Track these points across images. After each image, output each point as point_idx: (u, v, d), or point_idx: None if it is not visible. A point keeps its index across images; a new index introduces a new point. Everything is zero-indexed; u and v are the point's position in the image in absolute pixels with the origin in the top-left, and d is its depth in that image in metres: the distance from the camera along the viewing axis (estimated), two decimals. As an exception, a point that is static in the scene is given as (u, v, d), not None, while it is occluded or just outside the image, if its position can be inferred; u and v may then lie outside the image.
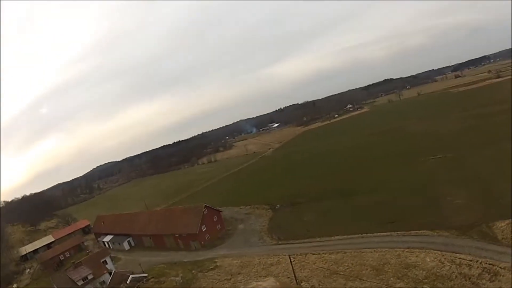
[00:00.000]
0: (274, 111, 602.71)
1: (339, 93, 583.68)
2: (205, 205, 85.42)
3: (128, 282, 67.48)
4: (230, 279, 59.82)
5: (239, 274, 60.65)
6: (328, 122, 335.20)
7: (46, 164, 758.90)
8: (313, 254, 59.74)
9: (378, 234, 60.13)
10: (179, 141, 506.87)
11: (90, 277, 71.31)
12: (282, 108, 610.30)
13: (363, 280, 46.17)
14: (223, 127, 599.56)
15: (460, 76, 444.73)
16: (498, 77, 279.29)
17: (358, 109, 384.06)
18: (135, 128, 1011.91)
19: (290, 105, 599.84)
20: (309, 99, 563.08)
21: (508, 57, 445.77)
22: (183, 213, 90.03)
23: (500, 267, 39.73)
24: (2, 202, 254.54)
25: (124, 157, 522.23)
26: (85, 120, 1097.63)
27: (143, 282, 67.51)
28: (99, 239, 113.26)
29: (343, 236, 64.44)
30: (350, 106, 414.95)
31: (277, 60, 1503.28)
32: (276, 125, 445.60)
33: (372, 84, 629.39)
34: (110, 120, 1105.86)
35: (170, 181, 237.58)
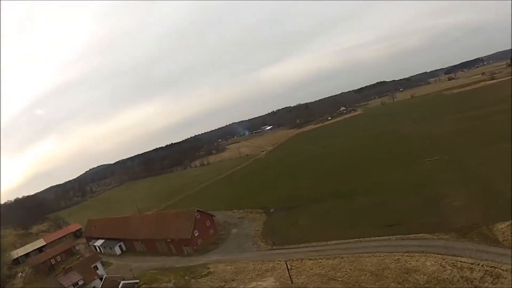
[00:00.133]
0: (267, 114, 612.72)
1: (332, 96, 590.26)
2: (198, 210, 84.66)
3: (119, 288, 66.07)
4: (224, 285, 58.72)
5: (233, 280, 59.53)
6: (322, 124, 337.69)
7: (40, 166, 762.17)
8: (310, 259, 58.90)
9: (376, 238, 59.54)
10: (172, 143, 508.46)
11: (80, 282, 70.61)
12: (275, 110, 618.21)
13: (363, 286, 45.56)
14: (216, 129, 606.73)
15: (453, 78, 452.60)
16: (492, 79, 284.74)
17: (351, 112, 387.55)
18: (128, 130, 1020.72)
19: (282, 108, 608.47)
20: (302, 102, 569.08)
21: (502, 59, 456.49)
22: (175, 217, 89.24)
23: (502, 270, 39.48)
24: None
25: (117, 160, 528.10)
26: (79, 123, 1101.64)
27: (134, 289, 66.12)
28: (90, 243, 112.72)
29: (340, 240, 63.69)
30: (343, 108, 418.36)
31: (269, 63, 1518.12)
32: (269, 127, 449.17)
33: (365, 86, 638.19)
34: (103, 123, 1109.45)
35: (163, 184, 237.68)
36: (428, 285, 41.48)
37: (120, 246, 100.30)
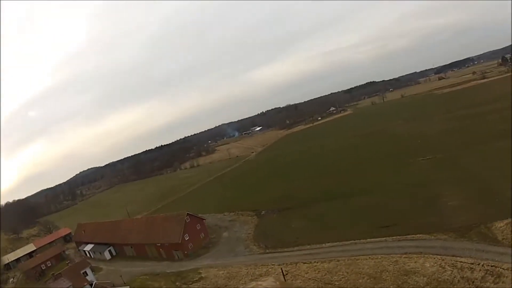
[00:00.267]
0: (256, 115, 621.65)
1: (321, 96, 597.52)
2: (188, 213, 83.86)
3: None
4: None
5: (226, 286, 58.38)
6: (311, 125, 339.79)
7: (31, 169, 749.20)
8: (304, 263, 58.09)
9: (372, 239, 59.13)
10: (162, 145, 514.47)
11: (70, 289, 68.78)
12: (264, 111, 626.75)
13: (361, 289, 45.03)
14: (205, 131, 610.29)
15: (444, 78, 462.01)
16: (484, 78, 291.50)
17: (341, 112, 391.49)
18: (117, 133, 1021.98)
19: (272, 109, 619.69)
20: (291, 103, 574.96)
21: (493, 58, 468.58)
22: (165, 221, 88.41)
23: (503, 268, 39.49)
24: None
25: (107, 163, 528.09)
26: (69, 125, 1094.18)
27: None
28: (80, 248, 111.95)
29: (335, 242, 63.02)
30: (333, 108, 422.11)
31: (259, 64, 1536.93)
32: (258, 128, 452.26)
33: (355, 87, 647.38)
34: (93, 125, 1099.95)
35: (153, 186, 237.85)
36: (428, 286, 41.16)
37: (109, 251, 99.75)
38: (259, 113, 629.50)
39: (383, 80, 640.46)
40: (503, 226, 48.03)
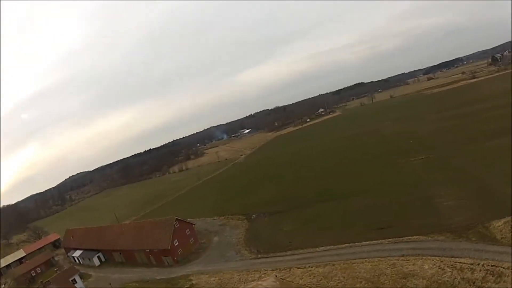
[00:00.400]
0: (245, 117, 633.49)
1: (310, 98, 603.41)
2: (176, 218, 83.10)
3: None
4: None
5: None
6: (300, 126, 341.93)
7: (21, 174, 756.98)
8: (298, 268, 57.06)
9: (368, 242, 58.48)
10: (150, 149, 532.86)
11: (59, 297, 67.53)
12: (252, 113, 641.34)
13: (358, 294, 44.28)
14: (194, 134, 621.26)
15: (433, 78, 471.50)
16: (473, 77, 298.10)
17: (330, 113, 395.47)
18: (106, 137, 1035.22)
19: (260, 111, 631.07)
20: (280, 105, 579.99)
21: (483, 58, 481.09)
22: (154, 227, 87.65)
23: (503, 268, 39.35)
24: None
25: (96, 167, 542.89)
26: (58, 129, 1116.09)
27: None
28: (68, 254, 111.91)
29: (329, 246, 62.27)
30: (322, 110, 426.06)
31: (247, 67, 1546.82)
32: (247, 131, 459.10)
33: (343, 88, 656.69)
34: (82, 130, 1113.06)
35: (142, 191, 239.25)
36: (428, 289, 40.72)
37: (98, 257, 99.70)
38: (248, 115, 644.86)
39: (372, 81, 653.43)
40: (501, 225, 48.12)
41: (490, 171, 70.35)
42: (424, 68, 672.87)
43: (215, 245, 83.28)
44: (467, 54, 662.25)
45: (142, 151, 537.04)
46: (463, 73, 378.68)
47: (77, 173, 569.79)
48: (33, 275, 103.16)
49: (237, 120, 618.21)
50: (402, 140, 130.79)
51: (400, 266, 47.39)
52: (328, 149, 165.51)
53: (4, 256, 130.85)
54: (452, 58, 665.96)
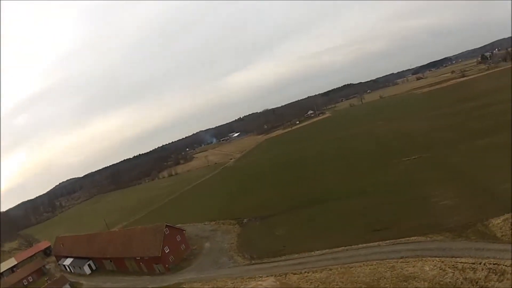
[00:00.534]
0: (233, 120, 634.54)
1: (299, 100, 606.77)
2: (166, 224, 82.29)
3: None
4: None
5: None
6: (290, 129, 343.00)
7: (12, 181, 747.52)
8: (294, 273, 56.12)
9: (365, 245, 57.96)
10: (139, 154, 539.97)
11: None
12: (241, 117, 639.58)
13: (358, 299, 43.52)
14: (182, 138, 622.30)
15: (422, 78, 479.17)
16: (463, 76, 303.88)
17: (320, 115, 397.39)
18: (95, 143, 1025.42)
19: (249, 114, 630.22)
20: (269, 107, 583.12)
21: (473, 57, 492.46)
22: (143, 234, 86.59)
23: (505, 266, 39.22)
24: None
25: (86, 173, 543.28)
26: (47, 135, 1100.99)
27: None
28: (59, 262, 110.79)
29: (325, 250, 61.55)
30: (311, 112, 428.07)
31: (235, 70, 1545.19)
32: (236, 134, 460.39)
33: (332, 89, 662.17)
34: (71, 136, 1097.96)
35: (132, 196, 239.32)
36: (430, 291, 40.23)
37: (89, 265, 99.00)
38: (237, 118, 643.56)
39: (360, 82, 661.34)
40: (501, 222, 48.17)
41: (485, 169, 70.92)
42: (413, 68, 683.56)
43: (207, 251, 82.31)
44: (456, 54, 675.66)
45: (131, 157, 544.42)
46: (452, 72, 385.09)
47: (67, 180, 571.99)
48: (25, 284, 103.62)
49: (226, 123, 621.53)
50: (394, 140, 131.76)
51: (400, 268, 46.85)
52: (319, 150, 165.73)
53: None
54: (440, 58, 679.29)
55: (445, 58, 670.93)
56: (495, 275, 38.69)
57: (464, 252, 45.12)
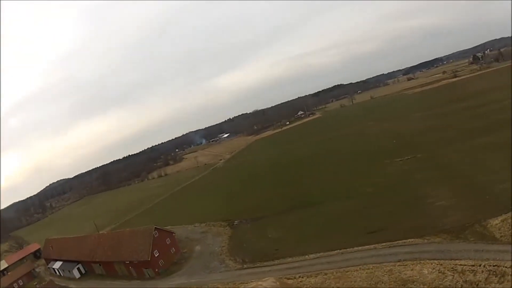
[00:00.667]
0: (223, 121, 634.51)
1: (289, 101, 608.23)
2: (156, 227, 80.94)
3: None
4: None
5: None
6: (280, 129, 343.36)
7: (4, 182, 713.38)
8: (289, 278, 55.02)
9: (360, 248, 57.21)
10: (129, 155, 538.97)
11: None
12: (231, 118, 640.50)
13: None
14: (172, 139, 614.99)
15: (413, 78, 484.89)
16: (455, 76, 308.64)
17: (310, 116, 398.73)
18: (85, 144, 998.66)
19: (239, 115, 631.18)
20: (259, 108, 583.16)
21: (464, 57, 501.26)
22: (132, 237, 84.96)
23: (506, 267, 39.03)
24: None
25: (76, 174, 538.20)
26: (38, 136, 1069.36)
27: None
28: (49, 265, 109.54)
29: (319, 253, 60.63)
30: (301, 112, 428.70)
31: (224, 70, 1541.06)
32: (226, 135, 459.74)
33: (322, 90, 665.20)
34: (61, 137, 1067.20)
35: (121, 197, 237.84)
36: (430, 295, 39.71)
37: (78, 269, 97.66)
38: (227, 119, 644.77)
39: (351, 83, 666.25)
40: (499, 223, 48.06)
41: (480, 169, 71.46)
42: (404, 69, 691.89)
43: (198, 255, 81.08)
44: (447, 54, 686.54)
45: (120, 158, 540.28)
46: (444, 72, 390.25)
47: (57, 181, 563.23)
48: (15, 287, 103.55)
49: (216, 124, 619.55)
50: (386, 140, 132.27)
51: (398, 272, 46.28)
52: (310, 151, 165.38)
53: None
54: (431, 58, 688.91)
55: (436, 59, 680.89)
56: (496, 277, 38.41)
57: (463, 254, 44.82)
